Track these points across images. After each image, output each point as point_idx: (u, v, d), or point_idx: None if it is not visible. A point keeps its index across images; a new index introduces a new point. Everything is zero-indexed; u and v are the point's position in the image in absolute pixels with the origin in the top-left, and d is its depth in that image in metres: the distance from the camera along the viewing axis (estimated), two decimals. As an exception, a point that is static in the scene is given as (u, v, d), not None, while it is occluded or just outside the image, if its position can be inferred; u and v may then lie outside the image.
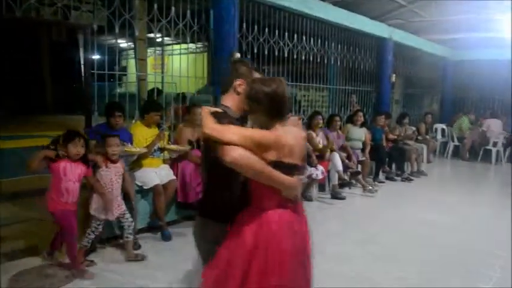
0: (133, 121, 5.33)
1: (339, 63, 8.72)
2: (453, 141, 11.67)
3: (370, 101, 9.92)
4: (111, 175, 4.07)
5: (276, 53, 6.90)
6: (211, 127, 2.03)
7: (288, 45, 7.13)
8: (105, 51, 5.42)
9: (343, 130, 7.57)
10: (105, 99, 5.31)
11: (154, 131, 4.89)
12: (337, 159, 6.65)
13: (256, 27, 6.45)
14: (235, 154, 1.93)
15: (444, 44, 12.53)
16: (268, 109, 2.14)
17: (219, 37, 5.96)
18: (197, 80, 6.80)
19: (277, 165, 2.04)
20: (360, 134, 7.65)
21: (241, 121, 2.33)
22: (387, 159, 8.36)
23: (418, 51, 11.47)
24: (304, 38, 7.48)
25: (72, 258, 3.72)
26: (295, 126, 2.30)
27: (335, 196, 6.70)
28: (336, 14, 7.94)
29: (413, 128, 9.71)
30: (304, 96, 10.19)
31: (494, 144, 10.77)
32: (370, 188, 7.14)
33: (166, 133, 5.26)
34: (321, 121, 6.80)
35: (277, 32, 6.85)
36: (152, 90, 7.08)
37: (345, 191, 7.08)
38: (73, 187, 3.63)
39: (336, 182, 6.73)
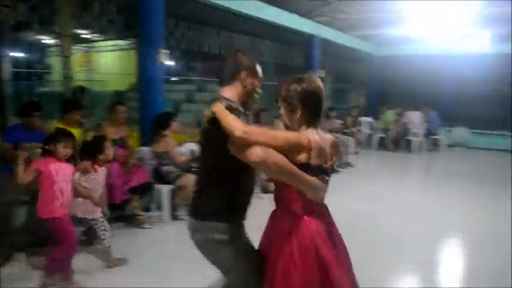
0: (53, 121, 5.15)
1: (269, 59, 8.87)
2: (378, 133, 12.26)
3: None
4: (100, 178, 4.00)
5: (206, 50, 6.90)
6: (243, 130, 1.90)
7: (216, 41, 7.15)
8: (26, 48, 5.18)
9: (272, 125, 7.70)
10: (25, 98, 5.09)
11: (76, 131, 4.74)
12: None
13: (183, 23, 6.42)
14: (261, 153, 1.87)
15: (369, 41, 13.08)
16: (307, 109, 2.11)
17: (145, 33, 5.88)
18: (127, 77, 6.68)
19: (305, 167, 2.01)
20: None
21: (246, 115, 2.23)
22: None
23: (345, 47, 11.90)
24: (233, 34, 7.54)
25: (66, 270, 3.56)
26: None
27: (263, 190, 6.82)
28: (264, 11, 8.08)
29: (340, 121, 10.09)
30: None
31: (415, 135, 11.40)
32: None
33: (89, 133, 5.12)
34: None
35: (205, 28, 6.85)
36: (76, 88, 6.85)
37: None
38: (66, 188, 3.53)
39: (265, 177, 6.84)
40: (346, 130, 10.41)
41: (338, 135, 9.42)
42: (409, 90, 14.18)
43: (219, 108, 2.03)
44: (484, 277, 4.03)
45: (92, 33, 7.35)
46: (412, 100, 13.63)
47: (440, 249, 4.85)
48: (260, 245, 2.29)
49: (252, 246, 2.27)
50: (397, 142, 12.01)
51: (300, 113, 2.10)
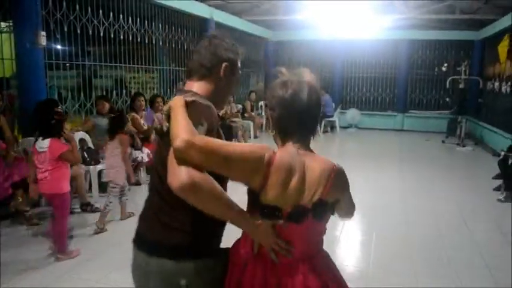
0: None
1: (163, 43, 8.60)
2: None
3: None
4: None
5: (90, 32, 6.48)
6: (187, 137, 1.38)
7: (103, 24, 6.75)
8: None
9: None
10: None
11: None
12: (163, 140, 6.57)
13: (64, 3, 5.96)
14: (193, 174, 1.35)
15: (265, 26, 13.28)
16: (280, 120, 1.60)
17: (21, 14, 5.35)
18: (8, 62, 6.00)
19: (253, 199, 1.52)
20: (185, 113, 7.66)
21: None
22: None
23: (241, 32, 11.95)
24: (121, 16, 7.15)
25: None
26: None
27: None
28: (155, -7, 7.77)
29: (240, 106, 10.16)
30: (134, 78, 9.87)
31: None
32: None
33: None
34: (144, 102, 6.62)
35: (89, 9, 6.42)
36: None
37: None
38: None
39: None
40: (245, 114, 10.50)
41: (237, 119, 9.48)
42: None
43: (176, 103, 1.52)
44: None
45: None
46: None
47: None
48: None
49: None
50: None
51: (273, 124, 1.63)
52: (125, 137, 4.65)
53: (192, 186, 1.34)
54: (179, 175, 1.34)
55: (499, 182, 6.17)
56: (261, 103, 12.71)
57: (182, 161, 1.37)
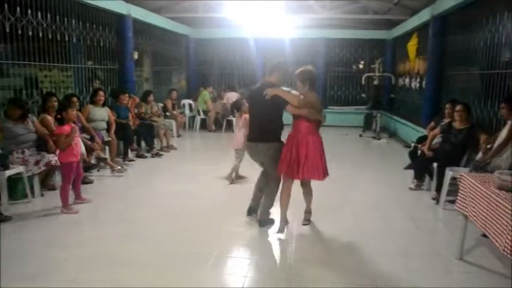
0: None
1: (76, 40, 8.20)
2: (199, 114, 12.45)
3: (115, 79, 9.68)
4: None
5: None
6: (298, 100, 4.28)
7: (9, 19, 6.30)
8: None
9: (84, 111, 7.18)
10: None
11: None
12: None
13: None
14: (307, 111, 4.28)
15: (185, 23, 13.13)
16: (312, 83, 4.44)
17: None
18: None
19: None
20: (102, 114, 7.38)
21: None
22: (135, 137, 8.33)
23: (161, 29, 11.72)
24: (29, 11, 6.72)
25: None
26: None
27: (82, 181, 6.34)
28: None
29: (160, 105, 9.94)
30: (47, 77, 9.30)
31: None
32: (119, 167, 7.03)
33: None
34: (56, 103, 6.24)
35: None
36: None
37: (93, 174, 6.78)
38: None
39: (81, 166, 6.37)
40: (167, 113, 10.31)
41: (159, 119, 9.28)
42: (225, 72, 14.86)
43: (278, 90, 4.32)
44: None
45: None
46: (229, 81, 14.32)
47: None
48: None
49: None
50: (218, 123, 12.38)
51: (307, 86, 4.39)
52: (244, 116, 6.16)
53: (310, 113, 4.31)
54: (302, 111, 4.29)
55: (410, 171, 6.57)
56: (183, 101, 12.58)
57: (298, 107, 4.29)
